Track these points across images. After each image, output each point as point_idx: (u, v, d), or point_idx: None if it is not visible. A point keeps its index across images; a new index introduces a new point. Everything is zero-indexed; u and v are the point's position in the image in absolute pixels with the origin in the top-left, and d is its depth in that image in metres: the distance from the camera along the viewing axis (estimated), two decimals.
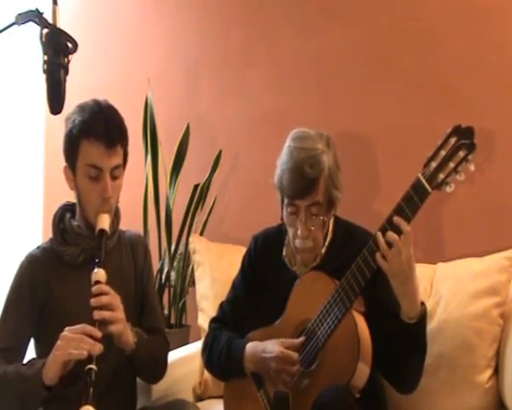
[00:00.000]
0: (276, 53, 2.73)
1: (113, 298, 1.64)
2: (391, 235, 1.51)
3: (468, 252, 2.10)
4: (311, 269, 1.79)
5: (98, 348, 1.52)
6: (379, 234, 1.53)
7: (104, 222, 1.72)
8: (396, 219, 1.51)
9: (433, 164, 1.50)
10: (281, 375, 1.68)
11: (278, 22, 2.72)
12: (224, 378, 1.93)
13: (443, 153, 1.49)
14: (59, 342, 1.56)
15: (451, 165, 1.48)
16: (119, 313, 1.65)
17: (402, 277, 1.53)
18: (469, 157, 1.47)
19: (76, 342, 1.53)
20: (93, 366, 1.50)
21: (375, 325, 1.63)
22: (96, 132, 1.70)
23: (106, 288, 1.63)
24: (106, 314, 1.60)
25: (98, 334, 1.55)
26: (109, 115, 1.75)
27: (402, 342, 1.59)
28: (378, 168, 2.46)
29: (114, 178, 1.74)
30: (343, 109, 2.53)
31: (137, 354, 1.73)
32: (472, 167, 1.48)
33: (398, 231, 1.51)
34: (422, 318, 1.58)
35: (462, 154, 1.47)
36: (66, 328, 1.57)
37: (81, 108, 1.75)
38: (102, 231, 1.71)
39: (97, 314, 1.59)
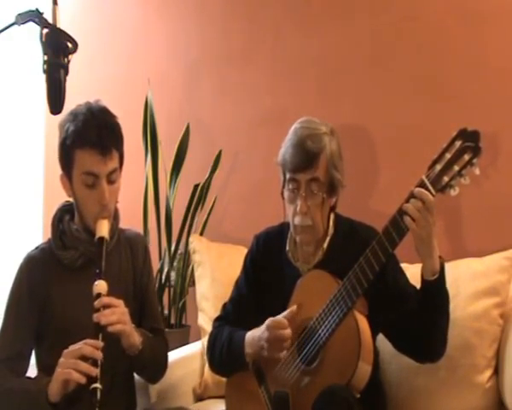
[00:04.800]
0: (276, 52, 2.73)
1: (118, 310, 1.64)
2: (415, 203, 1.51)
3: (468, 252, 2.10)
4: (314, 266, 1.79)
5: (98, 354, 1.53)
6: (406, 205, 1.53)
7: (103, 229, 1.71)
8: (416, 190, 1.51)
9: (438, 166, 1.49)
10: (275, 343, 1.69)
11: (279, 22, 2.72)
12: (226, 373, 1.93)
13: (448, 156, 1.48)
14: (61, 359, 1.57)
15: (456, 168, 1.47)
16: (125, 317, 1.66)
17: (429, 238, 1.55)
18: (474, 161, 1.46)
19: (74, 365, 1.53)
20: (98, 385, 1.51)
21: (394, 309, 1.69)
22: (89, 141, 1.67)
23: (107, 300, 1.62)
24: (112, 318, 1.60)
25: (99, 344, 1.55)
26: (102, 120, 1.72)
27: (429, 302, 1.62)
28: (378, 168, 2.46)
29: (111, 182, 1.73)
30: (344, 109, 2.53)
31: (143, 354, 1.73)
32: (477, 171, 1.47)
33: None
34: (442, 269, 1.61)
35: (467, 157, 1.46)
36: (70, 347, 1.57)
37: (74, 115, 1.71)
38: (102, 239, 1.70)
39: (97, 318, 1.58)
